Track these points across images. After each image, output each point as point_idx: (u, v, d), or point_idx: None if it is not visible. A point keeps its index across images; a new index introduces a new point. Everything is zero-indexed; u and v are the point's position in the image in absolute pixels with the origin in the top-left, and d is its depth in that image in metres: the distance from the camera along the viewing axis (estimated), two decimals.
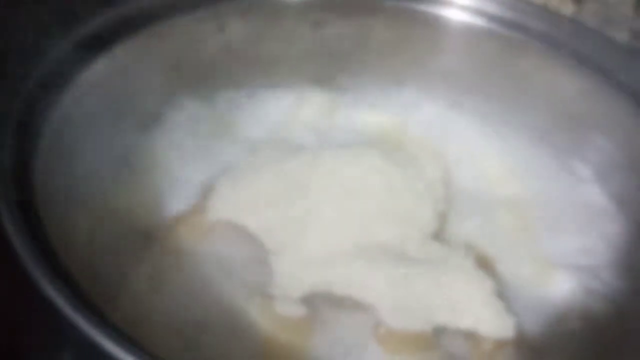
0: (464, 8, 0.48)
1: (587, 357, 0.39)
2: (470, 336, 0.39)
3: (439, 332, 0.39)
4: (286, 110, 0.48)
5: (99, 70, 0.40)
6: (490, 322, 0.39)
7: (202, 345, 0.36)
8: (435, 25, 0.48)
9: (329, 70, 0.49)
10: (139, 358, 0.27)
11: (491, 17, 0.47)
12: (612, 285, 0.42)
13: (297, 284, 0.39)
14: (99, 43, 0.41)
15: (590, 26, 0.49)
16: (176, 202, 0.42)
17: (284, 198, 0.42)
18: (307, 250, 0.40)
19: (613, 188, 0.46)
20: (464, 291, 0.40)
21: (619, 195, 0.45)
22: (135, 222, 0.40)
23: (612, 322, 0.41)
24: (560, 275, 0.43)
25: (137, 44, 0.42)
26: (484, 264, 0.43)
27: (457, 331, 0.39)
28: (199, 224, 0.41)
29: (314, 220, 0.41)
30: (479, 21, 0.47)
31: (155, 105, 0.44)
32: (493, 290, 0.41)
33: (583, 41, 0.47)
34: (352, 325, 0.39)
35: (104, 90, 0.41)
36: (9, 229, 0.30)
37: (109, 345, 0.28)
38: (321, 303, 0.40)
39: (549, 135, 0.48)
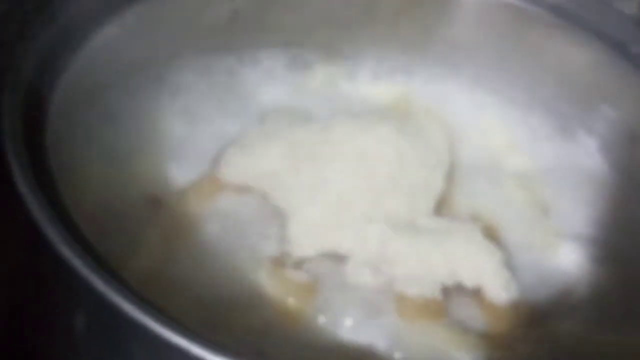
0: None
1: (593, 325, 0.40)
2: (479, 302, 0.40)
3: (449, 299, 0.40)
4: (294, 79, 0.48)
5: (109, 35, 0.40)
6: (498, 287, 0.40)
7: (212, 306, 0.37)
8: None
9: (336, 39, 0.49)
10: (154, 317, 0.28)
11: None
12: (618, 255, 0.43)
13: (307, 246, 0.40)
14: (109, 8, 0.40)
15: None
16: (185, 169, 0.42)
17: (294, 166, 0.42)
18: (317, 217, 0.40)
19: (619, 159, 0.46)
20: (472, 261, 0.41)
21: (625, 166, 0.45)
22: (145, 187, 0.40)
23: (618, 291, 0.41)
24: (567, 245, 0.44)
25: (148, 9, 0.42)
26: (491, 235, 0.43)
27: (467, 297, 0.40)
28: (209, 190, 0.42)
29: (324, 189, 0.41)
30: None
31: (165, 71, 0.44)
32: (501, 260, 0.41)
33: (593, 13, 0.47)
34: (365, 290, 0.39)
35: (113, 56, 0.40)
36: (23, 191, 0.30)
37: (124, 305, 0.28)
38: (331, 268, 0.40)
39: (556, 107, 0.48)
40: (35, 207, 0.30)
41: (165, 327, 0.28)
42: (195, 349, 0.27)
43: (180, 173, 0.42)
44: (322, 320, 0.38)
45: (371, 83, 0.49)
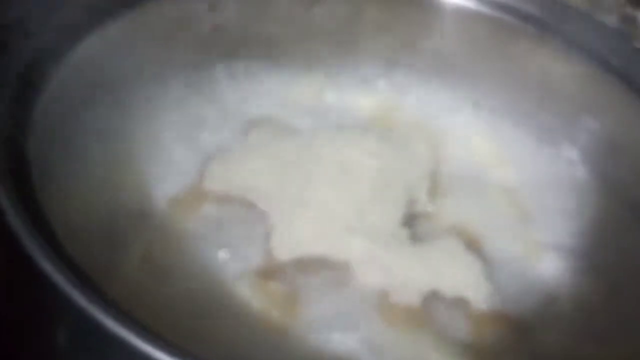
0: None
1: (577, 336, 0.40)
2: (462, 312, 0.40)
3: (432, 309, 0.40)
4: (278, 91, 0.48)
5: (91, 47, 0.40)
6: (480, 298, 0.40)
7: (196, 319, 0.37)
8: (427, 6, 0.48)
9: (321, 50, 0.49)
10: (137, 333, 0.27)
11: (483, 0, 0.48)
12: (602, 266, 0.43)
13: (290, 257, 0.40)
14: (91, 19, 0.40)
15: (581, 10, 0.49)
16: (169, 182, 0.42)
17: (278, 178, 0.42)
18: (300, 228, 0.41)
19: (601, 170, 0.46)
20: (454, 272, 0.41)
21: (608, 176, 0.46)
22: (129, 201, 0.40)
23: (602, 302, 0.41)
24: (550, 256, 0.44)
25: (129, 21, 0.42)
26: (475, 245, 0.43)
27: (449, 307, 0.40)
28: (193, 202, 0.42)
29: (309, 200, 0.41)
30: (470, 3, 0.48)
31: (148, 85, 0.44)
32: (483, 270, 0.41)
33: (575, 25, 0.47)
34: (348, 300, 0.39)
35: (95, 67, 0.40)
36: (4, 203, 0.30)
37: (106, 321, 0.28)
38: (314, 279, 0.40)
39: (539, 118, 0.48)
40: (16, 222, 0.30)
41: (148, 343, 0.27)
42: None
43: (164, 186, 0.42)
44: (305, 331, 0.38)
45: (355, 95, 0.50)
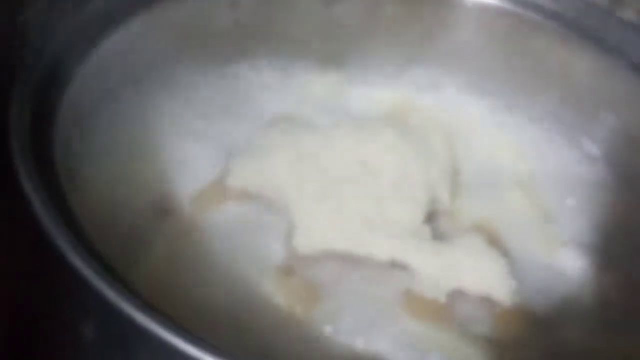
0: None
1: (598, 332, 0.40)
2: (485, 308, 0.40)
3: (455, 305, 0.40)
4: (297, 88, 0.48)
5: (114, 43, 0.40)
6: (503, 294, 0.40)
7: (218, 314, 0.37)
8: (447, 2, 0.48)
9: (340, 47, 0.49)
10: (164, 325, 0.28)
11: None
12: (622, 262, 0.43)
13: (312, 253, 0.40)
14: (114, 16, 0.40)
15: (601, 6, 0.49)
16: (191, 177, 0.42)
17: (299, 175, 0.42)
18: (321, 225, 0.41)
19: (621, 166, 0.46)
20: (476, 268, 0.41)
21: (628, 172, 0.46)
22: (152, 196, 0.40)
23: (624, 298, 0.41)
24: (571, 252, 0.44)
25: (152, 18, 0.42)
26: (495, 242, 0.43)
27: (473, 303, 0.40)
28: (215, 198, 0.42)
29: (330, 197, 0.41)
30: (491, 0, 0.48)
31: (170, 80, 0.44)
32: (505, 267, 0.41)
33: (593, 21, 0.47)
34: (371, 297, 0.39)
35: (119, 64, 0.41)
36: (32, 200, 0.30)
37: (134, 313, 0.28)
38: (336, 275, 0.40)
39: (559, 114, 0.48)
40: (44, 217, 0.30)
41: (175, 336, 0.28)
42: (206, 357, 0.27)
43: (186, 181, 0.42)
44: (329, 327, 0.38)
45: (374, 91, 0.49)
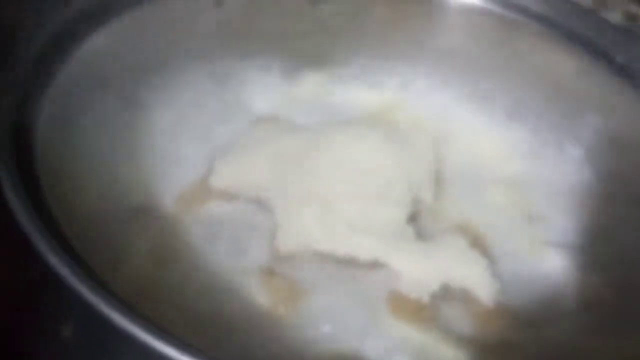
0: None
1: (582, 332, 0.40)
2: (468, 308, 0.40)
3: (437, 305, 0.40)
4: (282, 88, 0.48)
5: (98, 41, 0.40)
6: (485, 295, 0.40)
7: (201, 315, 0.37)
8: (433, 3, 0.48)
9: (325, 47, 0.49)
10: (144, 327, 0.28)
11: None
12: (606, 262, 0.43)
13: (296, 253, 0.40)
14: (97, 16, 0.40)
15: (586, 7, 0.49)
16: (175, 178, 0.42)
17: (284, 175, 0.42)
18: (306, 225, 0.41)
19: (605, 167, 0.46)
20: (458, 269, 0.41)
21: (612, 173, 0.46)
22: (134, 197, 0.40)
23: (607, 299, 0.41)
24: (554, 253, 0.44)
25: (136, 16, 0.42)
26: (479, 243, 0.43)
27: (455, 304, 0.40)
28: (198, 199, 0.42)
29: (314, 197, 0.41)
30: (476, 0, 0.48)
31: (154, 80, 0.44)
32: (487, 267, 0.41)
33: (578, 22, 0.47)
34: (354, 296, 0.39)
35: (102, 62, 0.40)
36: (11, 200, 0.30)
37: (113, 315, 0.28)
38: (319, 275, 0.40)
39: (543, 115, 0.48)
40: (23, 217, 0.30)
41: (154, 337, 0.27)
42: (185, 359, 0.27)
43: (169, 182, 0.42)
44: (311, 327, 0.38)
45: (361, 91, 0.50)
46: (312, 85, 0.49)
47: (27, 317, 0.32)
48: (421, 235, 0.43)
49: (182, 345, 0.27)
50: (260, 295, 0.38)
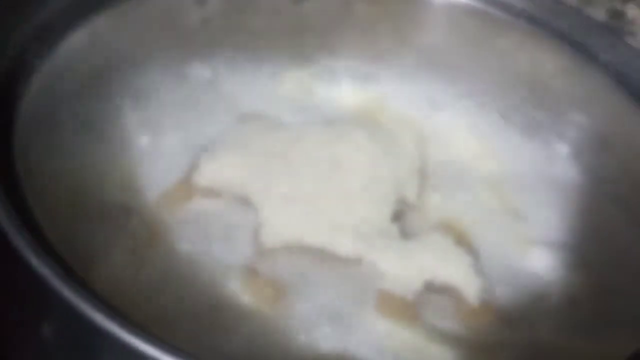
0: None
1: (567, 330, 0.40)
2: (453, 307, 0.40)
3: (423, 303, 0.40)
4: (266, 86, 0.48)
5: (79, 39, 0.39)
6: (470, 293, 0.40)
7: (182, 314, 0.36)
8: (416, 1, 0.48)
9: (309, 45, 0.49)
10: (123, 326, 0.27)
11: None
12: (591, 260, 0.43)
13: (279, 252, 0.40)
14: (79, 11, 0.40)
15: (571, 5, 0.49)
16: (157, 176, 0.42)
17: (267, 173, 0.42)
18: (289, 223, 0.41)
19: (590, 165, 0.46)
20: (443, 267, 0.41)
21: (596, 171, 0.46)
22: (117, 195, 0.40)
23: (591, 296, 0.41)
24: (539, 250, 0.44)
25: (117, 13, 0.41)
26: (463, 240, 0.43)
27: (440, 302, 0.40)
28: (180, 197, 0.41)
29: (298, 195, 0.41)
30: None
31: (136, 78, 0.43)
32: (472, 265, 0.41)
33: (563, 20, 0.47)
34: (340, 292, 0.39)
35: (82, 60, 0.40)
36: None
37: (93, 314, 0.27)
38: (303, 274, 0.40)
39: (528, 113, 0.48)
40: (3, 217, 0.29)
41: (135, 337, 0.27)
42: (165, 358, 0.27)
43: (151, 180, 0.42)
44: (295, 326, 0.38)
45: (344, 89, 0.49)
46: (296, 84, 0.49)
47: (6, 317, 0.32)
48: (406, 233, 0.43)
49: (164, 344, 0.27)
50: (244, 294, 0.38)
